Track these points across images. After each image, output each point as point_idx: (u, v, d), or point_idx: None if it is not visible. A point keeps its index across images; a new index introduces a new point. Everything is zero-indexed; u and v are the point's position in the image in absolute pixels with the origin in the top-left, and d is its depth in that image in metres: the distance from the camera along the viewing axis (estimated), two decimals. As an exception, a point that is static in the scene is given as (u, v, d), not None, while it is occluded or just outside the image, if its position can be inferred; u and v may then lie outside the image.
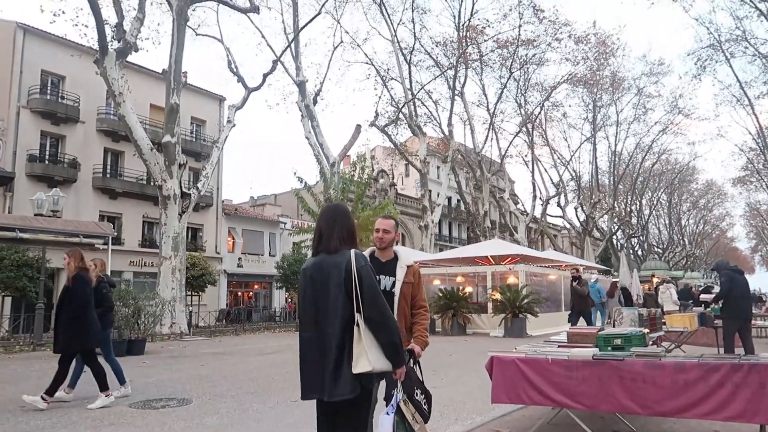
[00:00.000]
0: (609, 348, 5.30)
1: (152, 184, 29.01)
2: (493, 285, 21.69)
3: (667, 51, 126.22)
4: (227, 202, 43.97)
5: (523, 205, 55.26)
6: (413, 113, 36.93)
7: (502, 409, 6.58)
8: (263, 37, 41.54)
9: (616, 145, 53.00)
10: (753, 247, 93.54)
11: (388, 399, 3.42)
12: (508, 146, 46.53)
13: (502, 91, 41.51)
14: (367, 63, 38.16)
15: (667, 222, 74.12)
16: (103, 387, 7.52)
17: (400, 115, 37.13)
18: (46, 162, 30.35)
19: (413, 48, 37.03)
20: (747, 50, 34.08)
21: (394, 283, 4.08)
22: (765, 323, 17.09)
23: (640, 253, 67.34)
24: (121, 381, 8.16)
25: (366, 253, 4.08)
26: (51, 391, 7.30)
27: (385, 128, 36.66)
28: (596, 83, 44.56)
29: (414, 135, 37.49)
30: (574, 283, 16.83)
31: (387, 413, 3.25)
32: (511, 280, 21.41)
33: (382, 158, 51.10)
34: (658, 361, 4.96)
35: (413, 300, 4.13)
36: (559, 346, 5.87)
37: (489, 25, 37.49)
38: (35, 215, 19.05)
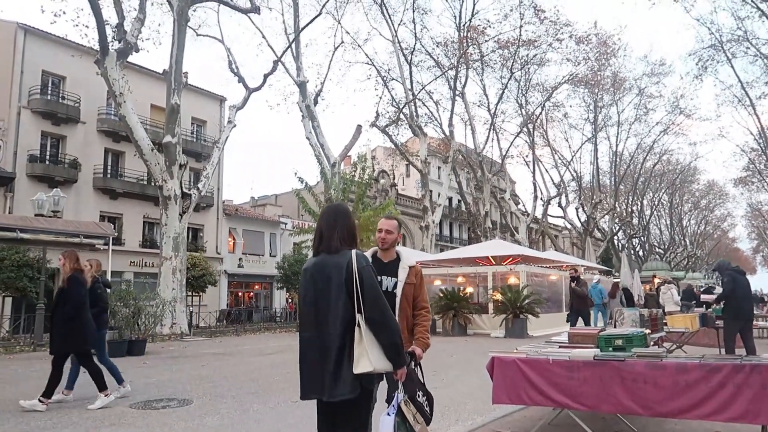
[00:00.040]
0: (610, 349, 5.30)
1: (153, 184, 29.04)
2: (494, 285, 21.68)
3: (668, 51, 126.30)
4: (228, 202, 43.98)
5: (524, 205, 55.24)
6: (414, 113, 36.92)
7: (503, 410, 6.57)
8: (264, 37, 41.44)
9: (617, 145, 53.08)
10: (754, 248, 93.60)
11: (390, 401, 3.41)
12: (509, 146, 46.64)
13: (503, 92, 41.54)
14: (367, 63, 38.23)
15: (668, 222, 74.09)
16: (102, 387, 7.51)
17: (401, 116, 37.11)
18: (47, 162, 30.35)
19: (414, 48, 37.08)
20: (748, 50, 34.08)
21: (396, 283, 4.08)
22: (766, 324, 17.08)
23: (641, 253, 67.29)
24: (119, 380, 8.14)
25: (368, 253, 4.10)
26: (48, 393, 7.28)
27: (386, 128, 36.65)
28: (597, 84, 44.53)
29: (415, 135, 37.48)
30: (573, 284, 16.83)
31: (388, 414, 3.24)
32: (512, 280, 21.40)
33: (382, 158, 51.06)
34: (659, 361, 4.95)
35: (415, 301, 4.12)
36: (560, 347, 5.86)
37: (490, 26, 37.51)
38: (36, 215, 19.07)
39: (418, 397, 3.43)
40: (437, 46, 38.99)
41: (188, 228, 26.52)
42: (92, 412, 7.14)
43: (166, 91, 23.68)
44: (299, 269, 29.24)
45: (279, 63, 29.58)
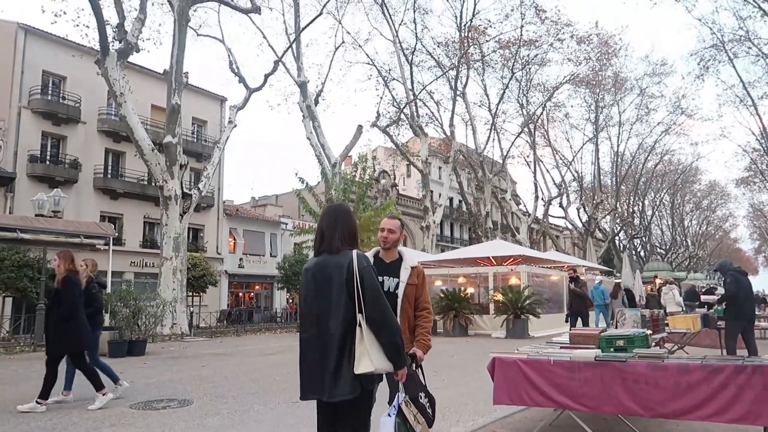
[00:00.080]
0: (611, 349, 5.29)
1: (153, 184, 29.05)
2: (495, 286, 21.63)
3: (669, 51, 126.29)
4: (228, 202, 44.00)
5: (525, 205, 55.18)
6: (415, 114, 36.90)
7: (503, 411, 6.55)
8: (264, 37, 41.66)
9: (618, 145, 53.00)
10: (756, 248, 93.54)
11: (391, 402, 3.40)
12: (510, 147, 46.55)
13: (504, 92, 41.49)
14: (368, 63, 38.20)
15: (670, 223, 74.01)
16: (99, 386, 7.49)
17: (402, 116, 37.08)
18: (47, 162, 30.37)
19: (415, 48, 37.08)
20: (750, 50, 34.04)
21: (398, 284, 4.07)
22: (768, 324, 17.02)
23: (642, 254, 67.18)
24: (115, 380, 8.10)
25: (371, 253, 4.11)
26: (44, 394, 7.26)
27: (387, 129, 36.63)
28: (598, 84, 44.48)
29: (416, 135, 37.45)
30: (572, 285, 16.78)
31: (389, 415, 3.23)
32: (513, 281, 21.36)
33: (383, 159, 51.04)
34: (660, 362, 4.94)
35: (416, 301, 4.11)
36: (561, 348, 5.84)
37: (491, 26, 37.44)
38: (36, 216, 19.06)
39: (421, 398, 3.42)
40: (438, 46, 39.00)
41: (189, 228, 26.52)
42: (92, 413, 7.12)
43: (167, 91, 23.68)
44: (300, 269, 29.11)
45: (280, 63, 29.58)
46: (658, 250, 73.55)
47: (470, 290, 22.70)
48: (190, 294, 28.12)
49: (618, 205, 55.58)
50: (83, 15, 45.00)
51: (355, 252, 3.17)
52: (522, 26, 37.22)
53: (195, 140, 38.35)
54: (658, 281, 28.11)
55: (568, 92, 51.88)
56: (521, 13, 36.89)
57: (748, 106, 38.83)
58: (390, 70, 38.73)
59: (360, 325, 3.04)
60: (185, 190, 23.42)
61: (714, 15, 38.17)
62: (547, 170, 55.37)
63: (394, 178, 52.81)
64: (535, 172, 48.86)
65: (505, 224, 49.63)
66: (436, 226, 37.71)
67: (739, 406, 4.53)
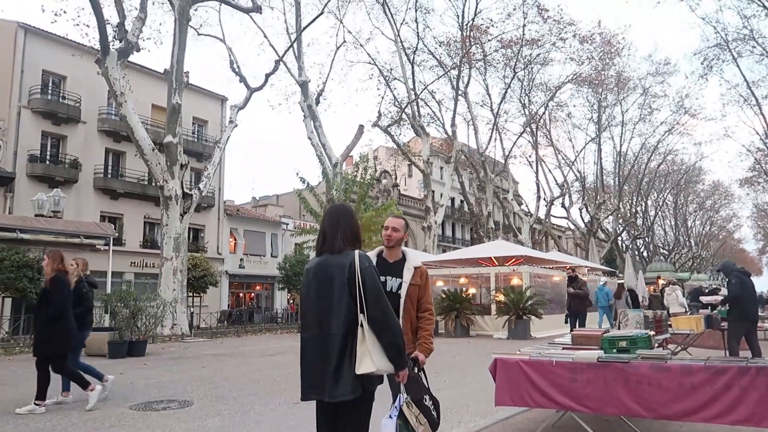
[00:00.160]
0: (614, 350, 5.27)
1: (153, 184, 29.04)
2: (497, 286, 21.57)
3: (673, 50, 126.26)
4: (229, 202, 44.03)
5: (527, 205, 55.13)
6: (416, 113, 36.87)
7: (505, 412, 6.53)
8: (265, 37, 41.70)
9: (621, 145, 52.84)
10: (760, 249, 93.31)
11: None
12: (512, 147, 46.44)
13: (506, 91, 41.49)
14: (370, 63, 38.14)
15: (673, 223, 73.90)
16: (85, 385, 7.45)
17: (403, 116, 37.04)
18: (47, 162, 30.39)
19: (416, 48, 36.99)
20: (755, 49, 33.90)
21: (400, 284, 4.04)
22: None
23: (645, 254, 67.09)
24: (99, 377, 7.99)
25: (374, 252, 4.11)
26: (41, 395, 7.23)
27: (388, 128, 36.62)
28: (601, 83, 44.42)
29: (417, 135, 37.40)
30: (570, 290, 16.70)
31: (390, 416, 3.22)
32: (515, 281, 21.31)
33: (384, 159, 51.05)
34: (663, 363, 4.93)
35: (419, 302, 4.08)
36: (563, 348, 5.81)
37: (493, 25, 37.48)
38: (36, 216, 19.06)
39: (425, 401, 3.41)
40: (440, 46, 38.94)
41: (189, 228, 26.51)
42: (92, 414, 7.10)
43: (167, 90, 23.66)
44: (301, 270, 29.18)
45: (281, 62, 29.57)
46: (661, 250, 73.49)
47: (472, 291, 22.66)
48: (191, 294, 28.09)
49: (621, 206, 55.52)
50: (83, 14, 45.16)
51: (357, 252, 3.18)
52: (524, 25, 37.28)
53: (195, 140, 38.36)
54: (661, 282, 28.08)
55: (571, 92, 51.79)
56: (523, 12, 36.95)
57: (752, 105, 38.71)
58: (391, 69, 38.73)
59: (361, 326, 3.04)
60: (186, 190, 23.40)
61: (718, 14, 38.31)
62: (550, 170, 55.39)
63: (396, 178, 52.82)
64: (537, 172, 48.89)
65: (507, 224, 49.60)
66: (438, 226, 37.69)
67: (742, 407, 4.51)
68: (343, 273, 3.11)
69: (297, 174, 37.61)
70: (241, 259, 40.28)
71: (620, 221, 56.74)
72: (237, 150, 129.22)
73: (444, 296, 20.94)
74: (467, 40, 35.89)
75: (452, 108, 38.79)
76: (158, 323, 17.88)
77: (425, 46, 38.10)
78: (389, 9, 35.47)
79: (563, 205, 52.93)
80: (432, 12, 50.45)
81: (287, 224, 42.97)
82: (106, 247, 18.20)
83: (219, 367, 12.18)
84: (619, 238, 58.33)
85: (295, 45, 30.40)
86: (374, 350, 3.01)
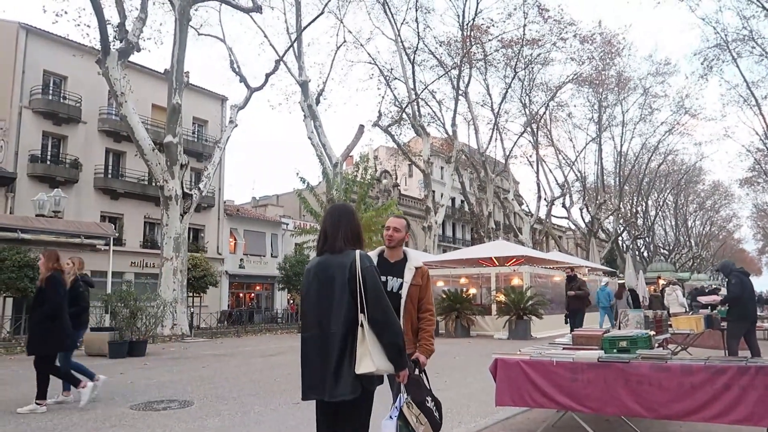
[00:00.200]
0: (614, 350, 5.27)
1: (154, 184, 29.03)
2: (497, 287, 21.57)
3: (673, 51, 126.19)
4: (229, 202, 44.01)
5: (527, 205, 55.09)
6: (417, 113, 36.86)
7: (506, 412, 6.53)
8: (266, 36, 41.67)
9: (621, 145, 52.83)
10: (760, 249, 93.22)
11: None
12: (513, 146, 46.45)
13: (507, 91, 41.50)
14: (370, 63, 38.15)
15: (673, 223, 73.89)
16: (75, 383, 7.46)
17: (404, 115, 37.04)
18: (48, 162, 30.40)
19: (417, 47, 36.95)
20: (754, 50, 33.91)
21: (401, 284, 4.03)
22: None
23: (646, 254, 67.09)
24: (90, 376, 7.92)
25: (375, 252, 4.12)
26: (41, 394, 7.23)
27: (389, 128, 36.62)
28: (602, 83, 44.40)
29: (417, 135, 37.39)
30: (569, 286, 16.67)
31: (390, 417, 3.22)
32: (516, 281, 21.31)
33: (385, 158, 51.04)
34: (664, 363, 4.93)
35: (420, 303, 4.06)
36: (563, 349, 5.81)
37: (493, 25, 37.41)
38: (37, 216, 19.03)
39: (427, 403, 3.40)
40: (440, 46, 38.91)
41: (189, 228, 26.51)
42: (93, 413, 7.11)
43: (168, 90, 23.67)
44: (301, 270, 29.20)
45: (281, 62, 29.58)
46: (662, 250, 73.47)
47: (472, 291, 22.66)
48: (191, 294, 28.09)
49: (621, 206, 55.49)
50: (84, 14, 44.84)
51: (358, 252, 3.18)
52: (525, 25, 37.22)
53: (196, 140, 38.35)
54: (661, 282, 28.06)
55: (571, 92, 51.69)
56: (524, 12, 36.91)
57: (752, 105, 38.70)
58: (392, 69, 38.72)
59: (361, 325, 3.03)
60: (186, 190, 23.40)
61: (718, 14, 38.32)
62: (550, 170, 55.20)
63: (396, 178, 52.80)
64: (537, 172, 48.88)
65: (507, 224, 49.57)
66: (438, 226, 37.68)
67: (742, 407, 4.51)
68: (343, 273, 3.11)
69: (297, 174, 37.67)
70: (241, 259, 40.27)
71: (621, 221, 56.72)
72: (237, 150, 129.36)
73: (444, 296, 20.93)
74: (468, 40, 35.87)
75: (453, 108, 38.86)
76: (158, 323, 17.88)
77: (426, 45, 38.14)
78: (390, 9, 35.51)
79: (564, 205, 52.97)
80: (432, 12, 50.44)
81: (287, 224, 42.95)
82: (107, 247, 18.18)
83: (219, 368, 12.18)
84: (620, 238, 58.33)
85: (295, 45, 30.40)
86: (374, 350, 3.01)
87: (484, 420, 6.50)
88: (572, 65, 52.23)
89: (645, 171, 56.20)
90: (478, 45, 37.16)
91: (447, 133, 40.16)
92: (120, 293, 16.05)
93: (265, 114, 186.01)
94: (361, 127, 31.59)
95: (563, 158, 51.84)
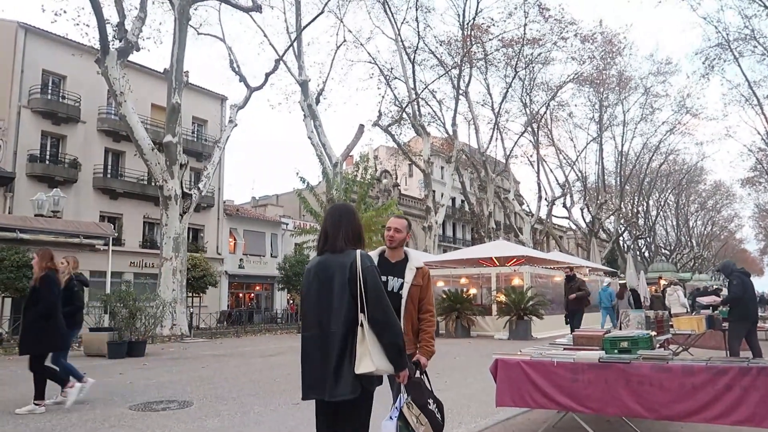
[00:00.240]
0: (615, 351, 5.26)
1: (153, 184, 29.03)
2: (498, 287, 21.54)
3: (674, 50, 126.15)
4: (229, 202, 44.01)
5: (528, 205, 55.05)
6: (417, 113, 36.83)
7: (506, 413, 6.51)
8: (265, 36, 41.83)
9: (622, 145, 52.71)
10: (762, 249, 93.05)
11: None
12: (513, 146, 46.41)
13: (507, 91, 41.46)
14: (370, 62, 38.14)
15: (674, 223, 73.79)
16: (63, 383, 7.43)
17: (404, 115, 37.03)
18: (47, 162, 30.40)
19: (417, 47, 36.91)
20: (756, 49, 33.84)
21: (402, 284, 4.02)
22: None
23: (647, 254, 67.03)
24: (78, 377, 7.86)
25: (376, 252, 4.11)
26: (39, 394, 7.21)
27: (389, 128, 36.61)
28: (602, 82, 44.36)
29: (418, 135, 37.38)
30: (568, 285, 16.61)
31: (390, 417, 3.22)
32: (516, 281, 21.29)
33: (385, 158, 51.04)
34: (665, 364, 4.92)
35: (420, 303, 4.05)
36: (564, 349, 5.78)
37: (494, 24, 37.37)
38: (35, 216, 19.02)
39: (430, 405, 3.39)
40: (440, 45, 38.85)
41: (189, 228, 26.48)
42: (91, 413, 7.08)
43: (167, 90, 23.66)
44: (301, 270, 29.17)
45: (281, 62, 29.57)
46: (663, 250, 73.39)
47: (473, 291, 22.61)
48: (190, 295, 28.07)
49: (622, 205, 55.45)
50: (83, 14, 45.20)
51: (358, 252, 3.18)
52: (525, 25, 37.18)
53: (195, 139, 38.35)
54: (662, 282, 28.03)
55: (572, 91, 51.66)
56: (524, 12, 36.84)
57: (754, 105, 38.62)
58: (392, 68, 38.70)
59: (361, 325, 3.03)
60: (185, 190, 23.38)
61: (719, 13, 38.24)
62: (551, 170, 55.16)
63: (396, 178, 52.80)
64: (538, 172, 48.83)
65: (507, 224, 49.56)
66: (439, 226, 37.66)
67: (743, 408, 4.50)
68: (344, 272, 3.11)
69: (297, 174, 37.68)
70: (241, 260, 40.27)
71: (622, 221, 56.69)
72: (237, 150, 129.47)
73: (445, 296, 20.90)
74: (468, 39, 35.85)
75: (453, 107, 38.84)
76: (158, 323, 17.84)
77: (426, 45, 38.09)
78: (390, 8, 35.48)
79: (564, 205, 52.90)
80: (433, 11, 50.32)
81: (287, 224, 42.95)
82: (106, 247, 18.16)
83: (218, 368, 12.17)
84: (621, 238, 58.29)
85: (295, 44, 30.38)
86: (374, 350, 3.01)
87: (485, 420, 6.48)
88: (573, 65, 52.32)
89: (646, 171, 56.14)
90: (479, 44, 37.15)
91: (447, 132, 40.15)
92: (119, 293, 16.01)
93: (264, 113, 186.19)
94: (361, 126, 31.58)
95: (564, 158, 51.82)
